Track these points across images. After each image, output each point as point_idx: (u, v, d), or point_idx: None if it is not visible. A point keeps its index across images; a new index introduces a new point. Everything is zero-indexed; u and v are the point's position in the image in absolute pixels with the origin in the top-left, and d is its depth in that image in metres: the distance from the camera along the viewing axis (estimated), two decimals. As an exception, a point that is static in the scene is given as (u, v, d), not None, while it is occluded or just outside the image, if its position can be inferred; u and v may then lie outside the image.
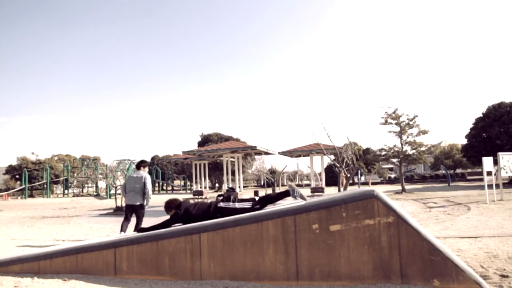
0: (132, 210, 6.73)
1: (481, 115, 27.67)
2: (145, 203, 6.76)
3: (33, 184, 36.55)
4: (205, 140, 40.72)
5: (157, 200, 22.95)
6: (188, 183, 41.76)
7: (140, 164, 7.07)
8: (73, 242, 6.38)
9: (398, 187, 25.05)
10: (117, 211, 14.12)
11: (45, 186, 35.63)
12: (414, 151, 22.04)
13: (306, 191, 23.19)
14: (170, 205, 4.40)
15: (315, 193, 16.04)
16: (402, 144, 21.71)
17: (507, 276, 3.66)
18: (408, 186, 25.78)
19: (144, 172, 6.93)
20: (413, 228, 3.16)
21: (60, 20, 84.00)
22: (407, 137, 21.58)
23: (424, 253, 3.10)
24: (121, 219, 6.94)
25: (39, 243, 7.09)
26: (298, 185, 45.47)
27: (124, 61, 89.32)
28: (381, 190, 3.41)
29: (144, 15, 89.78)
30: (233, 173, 22.32)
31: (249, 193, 21.95)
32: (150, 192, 6.83)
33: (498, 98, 74.22)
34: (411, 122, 21.33)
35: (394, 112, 21.50)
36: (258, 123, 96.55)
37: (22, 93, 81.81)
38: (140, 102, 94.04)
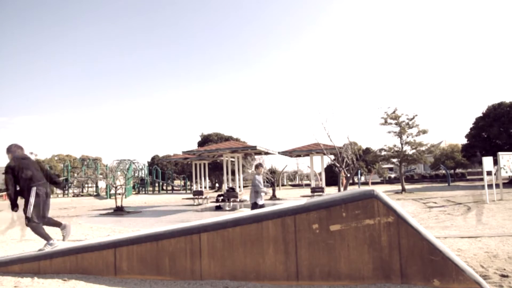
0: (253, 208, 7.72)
1: (481, 115, 27.68)
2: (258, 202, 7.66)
3: (33, 184, 36.51)
4: (205, 140, 40.75)
5: (157, 201, 22.96)
6: (188, 183, 41.76)
7: (256, 166, 8.41)
8: (73, 242, 6.38)
9: (398, 187, 25.05)
10: (117, 211, 14.11)
11: (45, 186, 35.58)
12: (414, 151, 22.06)
13: (306, 191, 23.20)
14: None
15: (315, 193, 16.04)
16: (402, 144, 21.73)
17: (507, 276, 3.66)
18: (408, 186, 25.79)
19: (256, 173, 8.13)
20: (413, 228, 3.16)
21: (60, 20, 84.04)
22: (407, 137, 21.60)
23: (424, 253, 3.10)
24: (121, 219, 6.98)
25: (39, 243, 7.08)
26: (298, 185, 45.45)
27: (124, 61, 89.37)
28: (381, 190, 3.41)
29: (144, 15, 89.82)
30: (233, 173, 22.30)
31: (249, 193, 21.93)
32: (262, 188, 7.84)
33: (498, 98, 74.25)
34: (410, 122, 21.35)
35: (393, 112, 21.52)
36: (258, 123, 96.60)
37: (22, 93, 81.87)
38: (140, 102, 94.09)
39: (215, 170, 38.54)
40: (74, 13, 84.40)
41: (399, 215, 3.20)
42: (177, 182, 49.46)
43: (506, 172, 13.79)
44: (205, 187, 22.02)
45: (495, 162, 14.32)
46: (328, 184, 28.61)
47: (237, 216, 3.74)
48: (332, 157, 15.91)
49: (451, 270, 3.03)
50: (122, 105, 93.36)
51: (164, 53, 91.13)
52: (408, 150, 22.11)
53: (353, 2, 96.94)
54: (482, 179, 13.99)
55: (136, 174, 38.26)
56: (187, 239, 3.64)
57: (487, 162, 12.70)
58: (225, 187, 17.18)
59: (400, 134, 21.49)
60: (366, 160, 31.20)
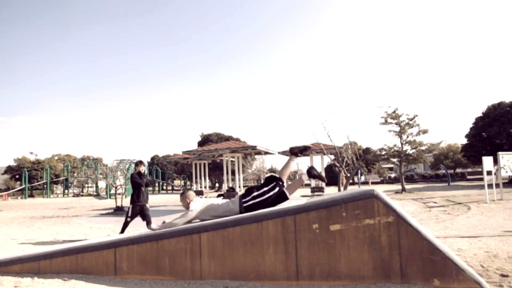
0: None
1: (481, 115, 27.69)
2: None
3: (33, 184, 36.55)
4: (205, 140, 40.78)
5: (157, 201, 22.95)
6: (188, 183, 41.77)
7: None
8: (73, 242, 6.38)
9: (398, 186, 25.05)
10: (117, 211, 14.11)
11: (45, 186, 35.62)
12: (414, 150, 22.06)
13: (306, 191, 23.21)
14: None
15: (315, 193, 16.05)
16: (402, 144, 21.72)
17: (507, 276, 3.66)
18: (408, 186, 25.78)
19: None
20: (413, 227, 3.16)
21: (60, 20, 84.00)
22: (407, 136, 21.59)
23: (424, 252, 3.10)
24: (121, 219, 7.01)
25: (39, 243, 7.09)
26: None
27: (124, 61, 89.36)
28: (381, 190, 3.41)
29: (144, 15, 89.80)
30: (233, 172, 22.31)
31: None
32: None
33: (498, 97, 74.31)
34: (411, 122, 21.35)
35: (394, 112, 21.52)
36: (258, 123, 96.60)
37: (22, 93, 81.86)
38: (140, 102, 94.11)
39: (215, 170, 38.55)
40: (74, 13, 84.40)
41: (399, 215, 3.20)
42: (177, 182, 49.48)
43: (506, 171, 13.79)
44: (205, 187, 22.00)
45: (495, 162, 14.32)
46: (328, 184, 28.61)
47: (237, 216, 3.74)
48: (332, 157, 15.91)
49: (451, 270, 3.03)
50: (122, 105, 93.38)
51: (164, 53, 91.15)
52: (408, 149, 22.13)
53: (353, 2, 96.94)
54: (482, 179, 13.98)
55: (136, 174, 38.15)
56: (187, 239, 3.63)
57: (487, 162, 12.70)
58: (225, 187, 17.17)
59: (400, 134, 21.48)
60: (367, 158, 31.20)
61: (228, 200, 3.94)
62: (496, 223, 7.54)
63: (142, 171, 7.28)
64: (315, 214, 3.35)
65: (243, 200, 3.78)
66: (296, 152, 4.18)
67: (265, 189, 3.79)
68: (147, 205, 7.19)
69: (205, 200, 3.94)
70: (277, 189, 3.80)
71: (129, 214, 7.02)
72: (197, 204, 3.88)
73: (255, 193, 3.78)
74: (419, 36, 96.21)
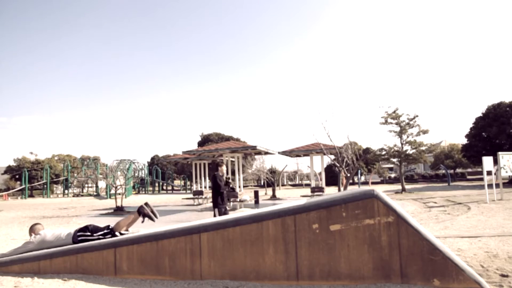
0: None
1: (481, 115, 27.69)
2: None
3: (33, 184, 36.54)
4: (205, 140, 40.80)
5: (157, 201, 22.94)
6: (188, 183, 41.75)
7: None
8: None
9: (398, 186, 25.05)
10: (117, 211, 14.11)
11: (45, 186, 35.60)
12: (414, 150, 22.05)
13: (306, 191, 23.22)
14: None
15: (315, 193, 16.04)
16: (402, 144, 21.72)
17: (507, 276, 3.65)
18: (408, 186, 25.78)
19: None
20: (413, 227, 3.16)
21: (60, 20, 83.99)
22: (407, 136, 21.59)
23: (424, 252, 3.10)
24: (121, 219, 7.01)
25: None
26: (298, 185, 45.40)
27: (124, 61, 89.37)
28: (381, 190, 3.41)
29: (144, 15, 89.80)
30: (233, 173, 22.30)
31: (249, 193, 21.94)
32: None
33: (498, 97, 74.35)
34: (411, 122, 21.34)
35: (394, 112, 21.52)
36: (258, 123, 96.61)
37: (22, 93, 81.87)
38: (140, 102, 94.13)
39: (215, 170, 38.52)
40: (74, 13, 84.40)
41: (399, 215, 3.20)
42: (177, 182, 49.47)
43: (506, 172, 13.79)
44: (205, 187, 21.99)
45: (495, 162, 14.32)
46: (328, 184, 28.62)
47: (237, 216, 3.73)
48: (332, 157, 15.91)
49: (451, 270, 3.03)
50: (122, 105, 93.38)
51: (164, 54, 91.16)
52: (408, 149, 22.12)
53: (353, 2, 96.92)
54: (482, 179, 13.98)
55: (136, 174, 38.24)
56: (187, 239, 3.63)
57: (487, 162, 12.69)
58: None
59: (400, 134, 21.48)
60: (367, 158, 31.22)
61: (62, 233, 4.36)
62: (496, 223, 7.53)
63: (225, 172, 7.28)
64: (315, 214, 3.34)
65: (78, 234, 4.25)
66: (140, 212, 4.62)
67: (100, 234, 4.27)
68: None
69: (46, 233, 4.40)
70: (109, 235, 4.25)
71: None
72: (37, 238, 4.35)
73: (89, 234, 4.25)
74: (419, 36, 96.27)
